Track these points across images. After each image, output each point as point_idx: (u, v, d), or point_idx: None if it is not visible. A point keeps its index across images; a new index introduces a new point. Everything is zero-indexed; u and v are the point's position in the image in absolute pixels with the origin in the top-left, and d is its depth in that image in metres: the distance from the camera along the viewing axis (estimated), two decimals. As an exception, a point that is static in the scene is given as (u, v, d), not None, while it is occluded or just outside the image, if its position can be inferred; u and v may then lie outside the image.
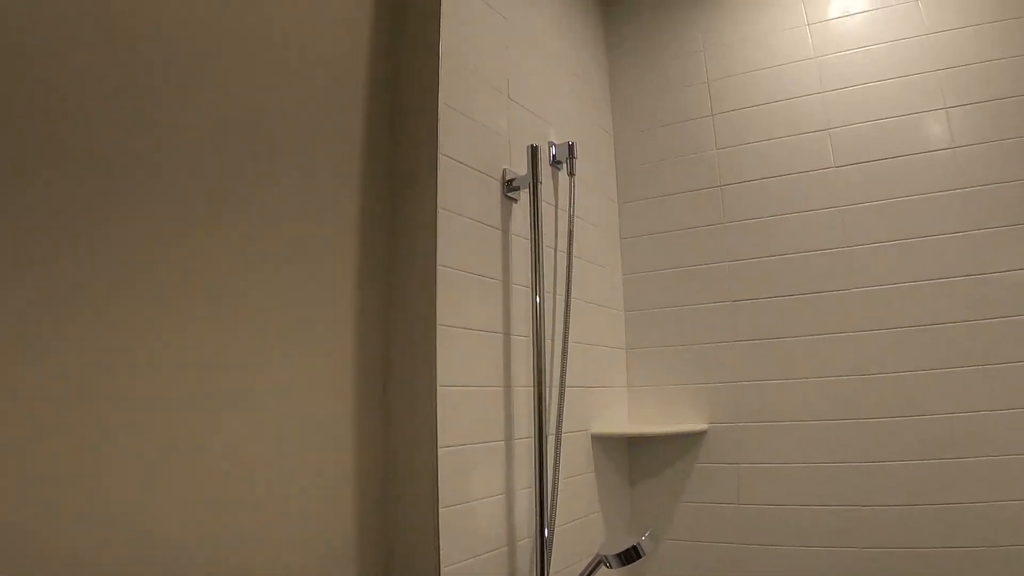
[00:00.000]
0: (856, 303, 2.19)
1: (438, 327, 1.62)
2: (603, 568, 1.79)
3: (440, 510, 1.58)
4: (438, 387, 1.60)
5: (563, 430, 1.99)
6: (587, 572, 1.80)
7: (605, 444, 2.30)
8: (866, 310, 2.17)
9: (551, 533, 1.85)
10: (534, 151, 1.90)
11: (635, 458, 2.46)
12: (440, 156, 1.71)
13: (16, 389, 1.03)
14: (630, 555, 1.73)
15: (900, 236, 2.16)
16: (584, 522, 2.15)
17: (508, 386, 1.84)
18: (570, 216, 2.08)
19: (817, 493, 2.17)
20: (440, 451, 1.59)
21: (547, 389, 1.87)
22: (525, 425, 1.88)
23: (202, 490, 1.27)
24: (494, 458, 1.77)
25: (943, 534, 1.99)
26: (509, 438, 1.82)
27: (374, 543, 1.63)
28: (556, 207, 2.17)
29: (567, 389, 2.04)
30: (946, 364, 2.05)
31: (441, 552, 1.57)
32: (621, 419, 2.43)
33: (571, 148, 2.10)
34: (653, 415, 2.44)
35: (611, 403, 2.38)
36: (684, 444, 2.36)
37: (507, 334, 1.86)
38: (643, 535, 1.76)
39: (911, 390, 2.08)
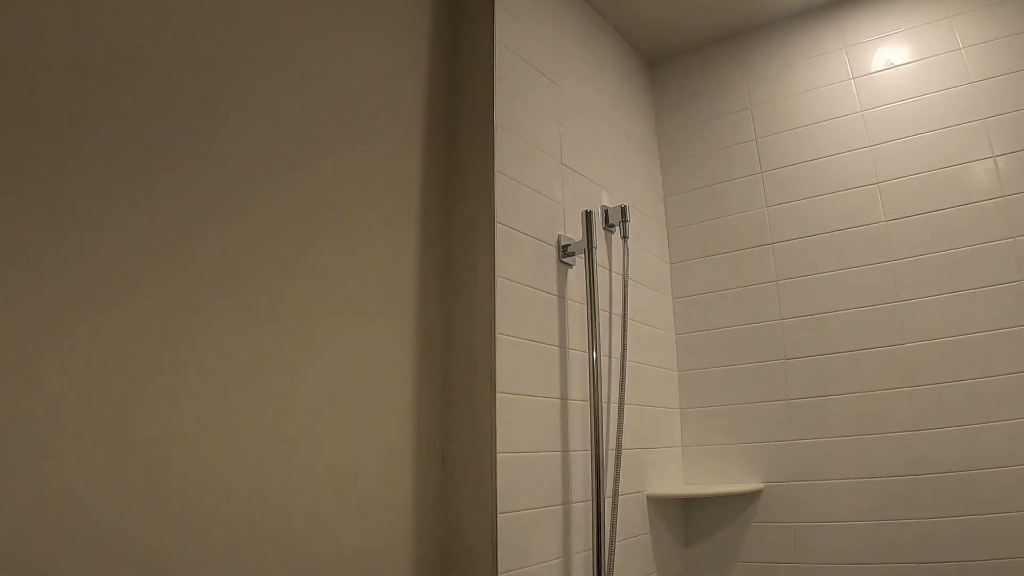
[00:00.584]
0: (910, 357, 2.17)
1: (497, 395, 1.65)
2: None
3: (499, 517, 1.60)
4: (497, 454, 1.63)
5: (620, 492, 1.99)
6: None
7: (660, 505, 2.30)
8: (920, 364, 2.15)
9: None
10: (588, 217, 1.94)
11: (690, 519, 2.45)
12: (497, 225, 1.75)
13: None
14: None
15: (953, 288, 2.14)
16: (640, 584, 2.14)
17: (566, 450, 1.85)
18: (624, 279, 2.10)
19: (875, 551, 2.13)
20: (500, 516, 1.61)
21: (603, 452, 1.88)
22: (582, 489, 1.90)
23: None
24: (551, 523, 1.78)
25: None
26: (567, 502, 1.83)
27: (436, 610, 1.64)
28: (610, 270, 2.20)
29: (623, 451, 2.05)
30: (1004, 416, 2.02)
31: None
32: (676, 480, 2.43)
33: (624, 211, 2.14)
34: (708, 475, 2.44)
35: (666, 464, 2.38)
36: (739, 504, 2.34)
37: (564, 399, 1.88)
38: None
39: (968, 444, 2.05)
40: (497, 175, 1.79)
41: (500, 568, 1.60)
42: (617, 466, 1.96)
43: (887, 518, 2.12)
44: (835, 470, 2.22)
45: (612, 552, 1.89)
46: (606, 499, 1.91)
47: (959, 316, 2.12)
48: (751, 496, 2.32)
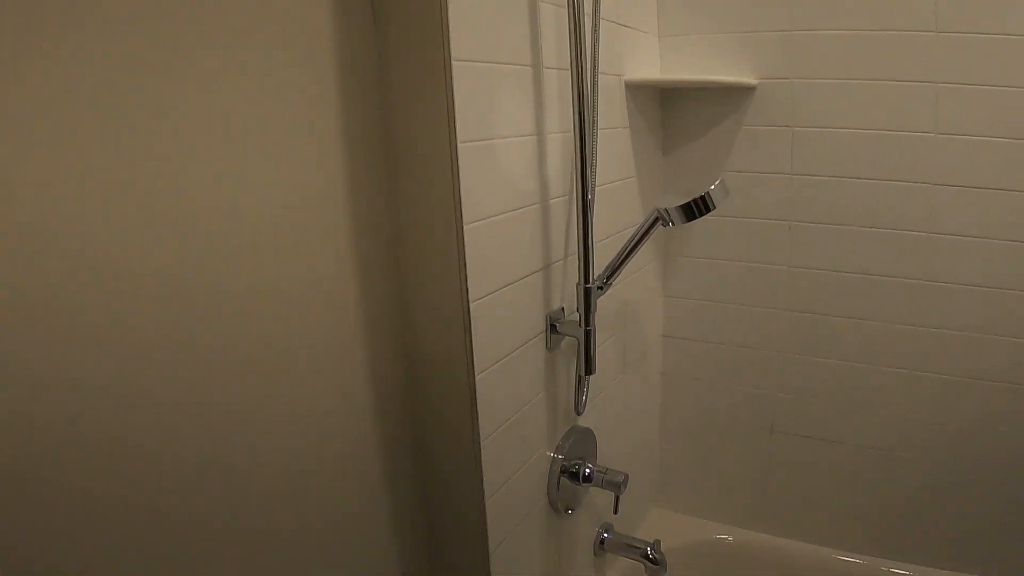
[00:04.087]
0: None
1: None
2: (660, 228, 1.45)
3: (459, 144, 1.19)
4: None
5: (599, 69, 1.55)
6: (642, 232, 1.46)
7: (638, 97, 1.88)
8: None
9: (593, 192, 1.48)
10: None
11: (670, 117, 2.04)
12: None
13: None
14: (698, 207, 1.38)
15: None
16: (619, 186, 1.80)
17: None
18: None
19: (884, 164, 1.81)
20: (454, 64, 1.16)
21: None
22: (555, 56, 1.46)
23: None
24: (520, 87, 1.36)
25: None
26: (537, 65, 1.40)
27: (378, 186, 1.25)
28: None
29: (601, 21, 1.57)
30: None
31: (463, 210, 1.21)
32: (653, 70, 2.00)
33: None
34: (692, 68, 2.00)
35: (643, 55, 1.92)
36: (729, 102, 1.94)
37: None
38: (713, 183, 1.39)
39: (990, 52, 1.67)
40: None
41: (460, 138, 1.19)
42: (595, 31, 1.51)
43: (900, 128, 1.77)
44: (844, 68, 1.79)
45: (595, 135, 1.49)
46: (587, 70, 1.47)
47: None
48: (743, 93, 1.91)
